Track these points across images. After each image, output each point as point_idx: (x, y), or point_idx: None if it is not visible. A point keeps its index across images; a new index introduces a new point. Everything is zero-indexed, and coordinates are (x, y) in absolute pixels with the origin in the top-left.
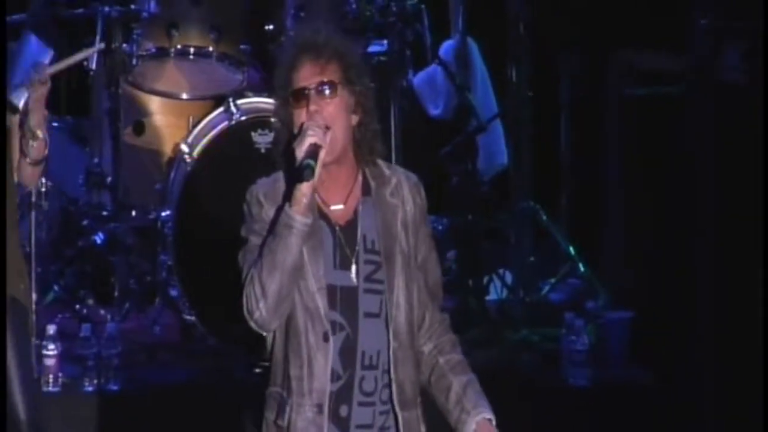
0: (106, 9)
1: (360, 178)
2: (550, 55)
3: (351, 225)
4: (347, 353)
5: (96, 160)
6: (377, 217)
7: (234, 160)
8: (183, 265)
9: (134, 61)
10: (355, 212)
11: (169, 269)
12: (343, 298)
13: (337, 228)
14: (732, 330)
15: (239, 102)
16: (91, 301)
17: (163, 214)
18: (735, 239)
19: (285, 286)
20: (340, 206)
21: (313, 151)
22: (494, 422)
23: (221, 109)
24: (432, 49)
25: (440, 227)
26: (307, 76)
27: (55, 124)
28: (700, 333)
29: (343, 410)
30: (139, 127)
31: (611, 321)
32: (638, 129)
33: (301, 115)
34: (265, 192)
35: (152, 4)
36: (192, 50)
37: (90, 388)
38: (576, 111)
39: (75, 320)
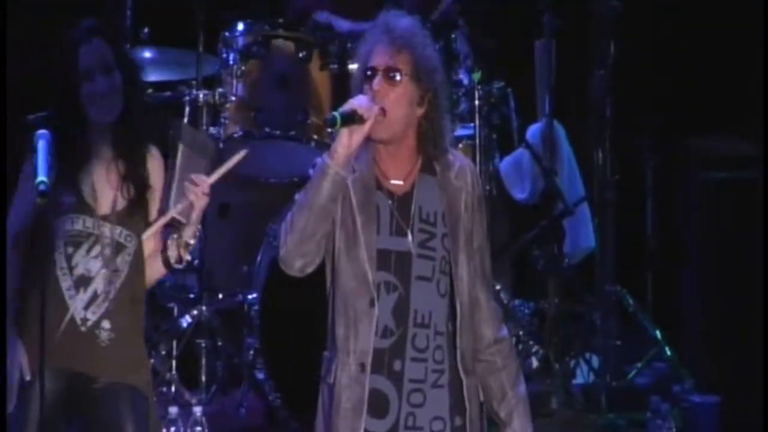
0: (194, 92)
1: (421, 159)
2: (633, 140)
3: (407, 196)
4: (400, 311)
5: None
6: (442, 196)
7: None
8: (269, 348)
9: (221, 145)
10: (412, 186)
11: (256, 352)
12: (397, 262)
13: (394, 198)
14: None
15: None
16: (177, 384)
17: (250, 296)
18: None
19: (310, 224)
20: (399, 181)
21: (350, 112)
22: None
23: None
24: (518, 133)
25: (526, 311)
26: (378, 57)
27: None
28: None
29: (397, 365)
30: (225, 210)
31: (697, 405)
32: (720, 213)
33: (367, 92)
34: None
35: (239, 88)
36: (278, 133)
37: None
38: (659, 195)
39: (162, 403)
